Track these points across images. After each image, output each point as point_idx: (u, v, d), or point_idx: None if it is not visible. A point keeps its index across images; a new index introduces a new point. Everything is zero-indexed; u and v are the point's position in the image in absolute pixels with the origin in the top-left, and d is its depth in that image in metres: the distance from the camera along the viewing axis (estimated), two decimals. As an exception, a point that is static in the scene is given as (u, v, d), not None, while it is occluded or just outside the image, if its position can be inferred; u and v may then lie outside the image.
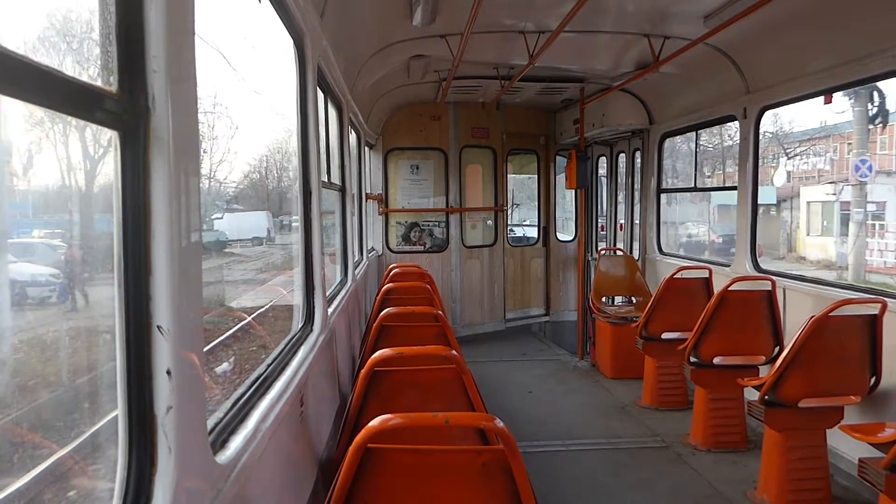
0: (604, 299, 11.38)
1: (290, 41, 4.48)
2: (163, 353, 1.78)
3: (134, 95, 1.72)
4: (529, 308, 14.28)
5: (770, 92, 7.80)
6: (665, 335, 8.41)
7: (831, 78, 6.75)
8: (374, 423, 2.69)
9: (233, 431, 2.49)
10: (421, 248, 13.16)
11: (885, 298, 5.80)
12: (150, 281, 1.77)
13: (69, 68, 1.48)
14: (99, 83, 1.67)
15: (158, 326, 1.77)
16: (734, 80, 8.26)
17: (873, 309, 5.76)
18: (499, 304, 13.73)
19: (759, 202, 8.41)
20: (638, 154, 11.71)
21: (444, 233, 13.20)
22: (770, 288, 7.09)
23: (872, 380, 5.87)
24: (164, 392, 1.78)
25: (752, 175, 8.27)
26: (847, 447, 6.07)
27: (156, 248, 1.78)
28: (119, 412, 1.76)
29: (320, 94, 5.89)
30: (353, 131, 8.93)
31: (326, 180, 6.66)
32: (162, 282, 1.79)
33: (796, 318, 6.66)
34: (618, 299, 11.90)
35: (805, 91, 7.28)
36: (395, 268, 8.94)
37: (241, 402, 2.75)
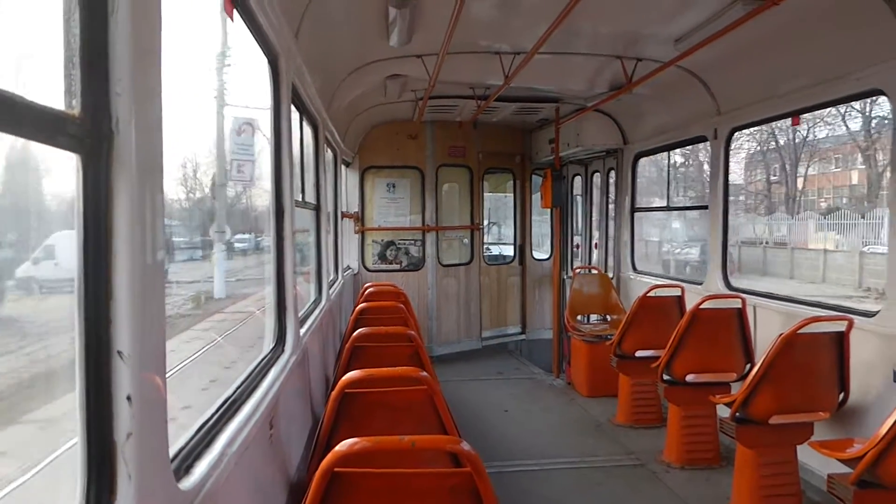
0: (579, 317, 11.42)
1: (264, 60, 4.50)
2: (123, 379, 1.76)
3: (97, 118, 1.71)
4: (506, 326, 14.29)
5: (740, 113, 7.93)
6: (639, 353, 8.45)
7: (799, 100, 6.88)
8: (341, 447, 2.68)
9: (198, 457, 2.46)
10: (397, 266, 13.14)
11: (852, 316, 5.89)
12: (110, 305, 1.76)
13: (30, 92, 1.46)
14: (61, 106, 1.66)
15: (119, 351, 1.76)
16: (705, 101, 8.39)
17: (840, 326, 5.84)
18: (475, 322, 13.73)
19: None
20: (612, 173, 11.82)
21: (421, 251, 13.20)
22: (740, 305, 7.17)
23: (841, 396, 5.94)
24: (124, 418, 1.76)
25: (723, 194, 8.38)
26: (817, 463, 6.13)
27: (117, 271, 1.76)
28: (78, 439, 1.73)
29: (295, 113, 5.90)
30: (328, 149, 8.94)
31: (301, 199, 6.65)
32: (123, 306, 1.77)
33: (766, 335, 6.73)
34: (593, 317, 11.95)
35: (774, 113, 7.42)
36: (370, 287, 8.92)
37: (207, 426, 2.72)
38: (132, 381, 1.78)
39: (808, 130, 42.61)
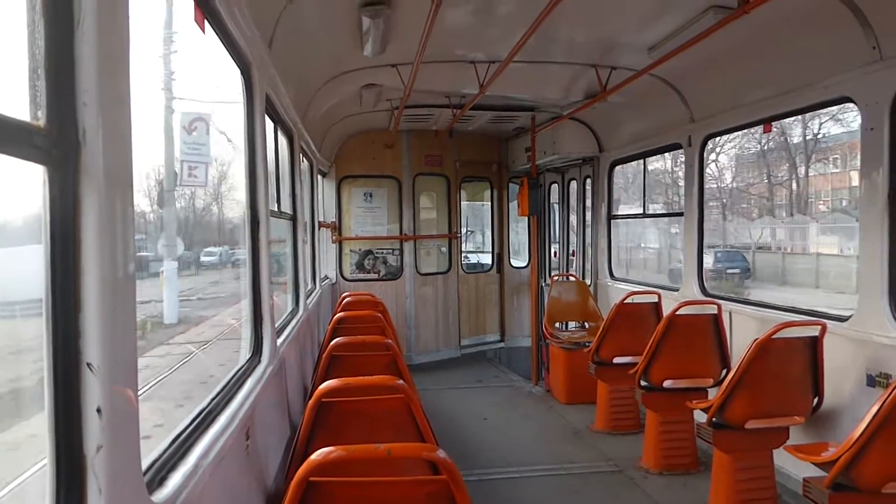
0: (557, 325, 11.45)
1: (237, 70, 4.48)
2: (93, 391, 1.74)
3: (63, 129, 1.69)
4: (484, 334, 14.31)
5: (713, 121, 8.03)
6: (617, 360, 8.49)
7: (770, 107, 6.99)
8: (316, 455, 2.66)
9: (172, 468, 2.43)
10: (375, 275, 13.11)
11: (825, 321, 5.96)
12: (79, 318, 1.74)
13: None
14: (26, 117, 1.65)
15: (88, 364, 1.74)
16: (679, 109, 8.49)
17: (814, 331, 5.92)
18: (454, 330, 13.72)
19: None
20: (589, 181, 11.90)
21: (399, 260, 13.19)
22: (716, 311, 7.23)
23: (815, 400, 6.01)
24: (94, 431, 1.74)
25: (698, 201, 8.47)
26: (793, 467, 6.18)
27: (86, 283, 1.74)
28: (47, 453, 1.71)
29: (270, 123, 5.87)
30: (304, 159, 8.91)
31: (276, 209, 6.62)
32: (93, 318, 1.75)
33: (742, 340, 6.79)
34: (571, 324, 12.00)
35: (746, 120, 7.53)
36: (347, 296, 8.89)
37: (181, 438, 2.70)
38: (102, 393, 1.76)
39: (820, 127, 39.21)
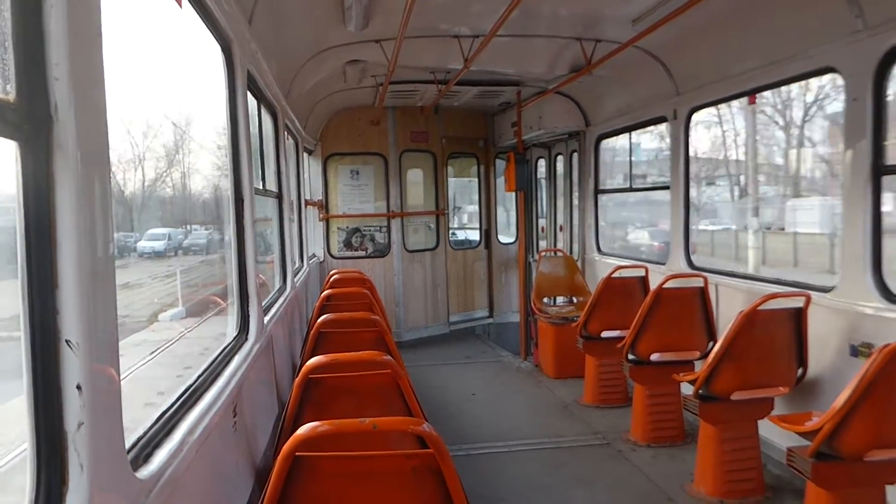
0: (545, 300, 11.49)
1: (217, 47, 4.43)
2: (72, 368, 1.73)
3: (34, 103, 1.67)
4: (473, 311, 14.35)
5: (698, 93, 8.01)
6: (604, 334, 8.54)
7: (754, 79, 6.97)
8: (302, 430, 2.67)
9: (157, 445, 2.44)
10: (363, 253, 13.10)
11: (810, 291, 6.01)
12: (56, 294, 1.72)
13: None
14: None
15: (67, 340, 1.73)
16: (664, 82, 8.46)
17: (799, 302, 5.96)
18: (442, 307, 13.76)
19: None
20: (575, 155, 11.89)
21: (386, 237, 13.17)
22: (703, 284, 7.27)
23: (800, 371, 6.07)
24: (74, 407, 1.73)
25: (684, 175, 8.48)
26: (778, 437, 6.26)
27: (63, 260, 1.73)
28: (26, 429, 1.70)
29: (252, 101, 5.82)
30: (290, 137, 8.84)
31: (261, 187, 6.58)
32: (70, 295, 1.74)
33: (729, 312, 6.84)
34: (559, 299, 12.04)
35: (731, 92, 7.51)
36: (335, 274, 8.88)
37: (167, 415, 2.70)
38: (82, 370, 1.75)
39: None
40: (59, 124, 1.71)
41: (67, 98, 1.72)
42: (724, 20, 6.72)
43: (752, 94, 7.38)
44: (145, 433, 2.45)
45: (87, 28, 1.87)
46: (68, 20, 1.73)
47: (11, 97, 1.62)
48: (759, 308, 5.73)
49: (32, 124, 1.66)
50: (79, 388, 1.73)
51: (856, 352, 5.63)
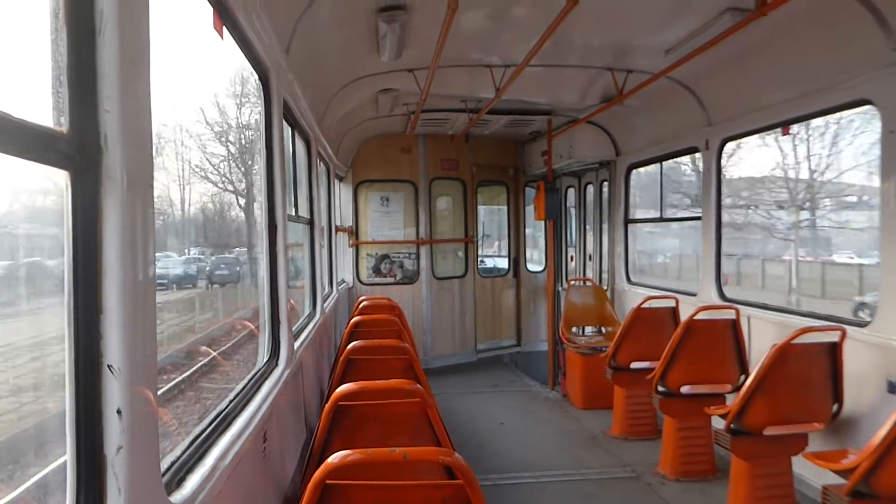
0: (574, 329, 11.41)
1: (255, 76, 4.52)
2: (113, 392, 1.77)
3: (86, 135, 1.72)
4: (501, 339, 14.29)
5: (730, 124, 7.98)
6: (634, 365, 8.45)
7: (789, 110, 6.93)
8: (333, 459, 2.67)
9: (189, 470, 2.46)
10: (392, 279, 13.14)
11: (845, 326, 5.90)
12: (101, 320, 1.76)
13: (17, 109, 1.47)
14: (49, 124, 1.67)
15: (109, 365, 1.76)
16: (696, 112, 8.44)
17: (834, 336, 5.86)
18: (470, 335, 13.72)
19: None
20: (605, 185, 11.87)
21: (415, 264, 13.21)
22: (735, 316, 7.18)
23: (835, 407, 5.94)
24: (114, 432, 1.76)
25: (716, 205, 8.42)
26: (812, 474, 6.12)
27: (107, 286, 1.77)
28: (67, 453, 1.73)
29: (287, 128, 5.91)
30: (322, 164, 8.95)
31: (294, 213, 6.66)
32: (114, 321, 1.77)
33: (761, 345, 6.74)
34: (588, 329, 11.95)
35: (764, 123, 7.47)
36: (364, 300, 8.92)
37: (199, 440, 2.72)
38: (122, 394, 1.78)
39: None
40: (108, 154, 1.76)
41: (117, 129, 1.77)
42: (758, 51, 6.71)
43: (785, 125, 7.33)
44: (179, 457, 2.47)
45: (136, 60, 1.93)
46: (119, 54, 1.79)
47: (65, 129, 1.67)
48: (793, 342, 5.64)
49: (83, 155, 1.71)
50: (119, 412, 1.76)
51: (894, 388, 5.51)
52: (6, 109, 1.43)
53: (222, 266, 23.69)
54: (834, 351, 5.86)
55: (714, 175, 8.40)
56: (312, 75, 6.53)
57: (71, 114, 1.69)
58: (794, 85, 6.70)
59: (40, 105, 1.68)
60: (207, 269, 23.33)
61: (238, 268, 24.10)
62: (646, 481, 7.31)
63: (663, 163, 10.58)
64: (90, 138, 1.73)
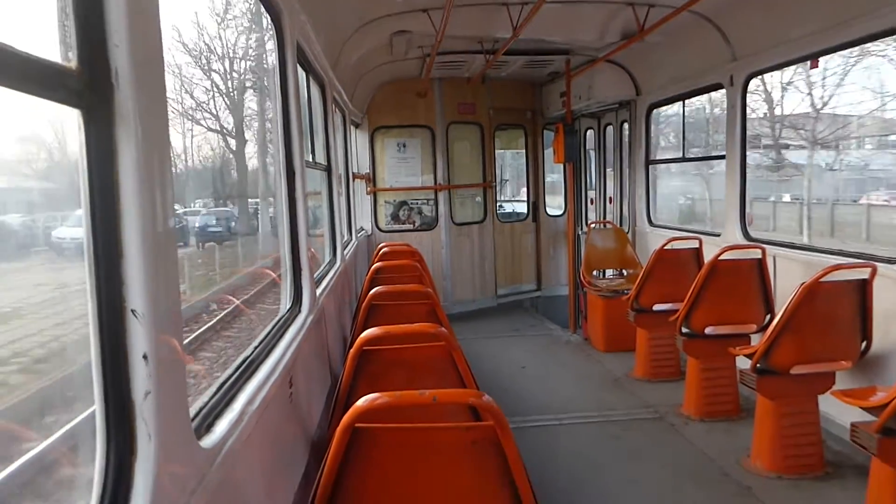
0: (595, 273, 11.36)
1: (267, 18, 4.41)
2: (138, 338, 1.73)
3: (95, 71, 1.64)
4: (521, 284, 14.28)
5: (756, 58, 7.74)
6: (656, 307, 8.40)
7: (816, 42, 6.70)
8: (361, 402, 2.66)
9: (218, 415, 2.45)
10: (410, 226, 13.10)
11: (875, 263, 5.79)
12: (122, 264, 1.71)
13: (24, 44, 1.40)
14: (57, 59, 1.60)
15: (133, 310, 1.72)
16: (720, 47, 8.20)
17: (863, 274, 5.75)
18: (490, 280, 13.71)
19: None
20: (626, 126, 11.65)
21: (434, 211, 13.14)
22: (760, 256, 7.08)
23: (863, 344, 5.88)
24: (140, 377, 1.73)
25: (741, 143, 8.23)
26: (839, 412, 6.09)
27: (127, 230, 1.71)
28: (95, 399, 1.71)
29: (301, 73, 5.80)
30: (337, 110, 8.83)
31: (311, 160, 6.58)
32: (135, 265, 1.73)
33: (787, 285, 6.65)
34: (609, 272, 11.90)
35: (791, 56, 7.24)
36: (384, 247, 8.89)
37: (226, 385, 2.71)
38: (148, 340, 1.74)
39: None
40: (119, 92, 1.69)
41: (128, 65, 1.69)
42: None
43: (814, 58, 7.09)
44: (206, 403, 2.46)
45: None
46: None
47: (73, 64, 1.59)
48: (822, 280, 5.55)
49: (94, 92, 1.64)
50: (145, 357, 1.73)
51: None
52: (13, 44, 1.36)
53: (213, 223, 21.18)
54: (863, 288, 5.76)
55: (739, 113, 8.19)
56: (325, 17, 6.37)
57: (79, 48, 1.61)
58: (823, 15, 6.45)
59: (46, 39, 1.60)
60: (197, 224, 20.50)
61: (233, 223, 22.13)
62: (669, 422, 7.33)
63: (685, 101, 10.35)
64: (100, 74, 1.66)
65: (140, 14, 1.79)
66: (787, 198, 34.12)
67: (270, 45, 4.63)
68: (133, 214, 1.72)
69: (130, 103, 1.70)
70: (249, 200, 24.69)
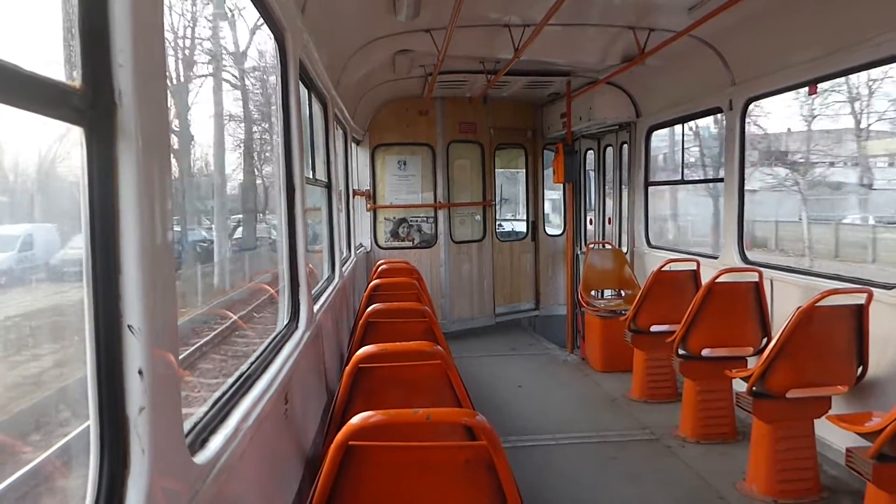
0: (593, 293, 11.37)
1: (271, 37, 4.45)
2: (134, 353, 1.75)
3: (99, 90, 1.67)
4: (519, 302, 14.28)
5: (755, 83, 7.80)
6: (654, 328, 8.41)
7: (816, 69, 6.75)
8: (355, 420, 2.66)
9: (213, 431, 2.45)
10: (409, 243, 13.12)
11: (871, 288, 5.81)
12: (119, 279, 1.73)
13: (29, 63, 1.43)
14: (62, 78, 1.63)
15: (129, 326, 1.74)
16: (719, 71, 8.26)
17: (859, 299, 5.77)
18: (488, 298, 13.72)
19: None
20: (625, 147, 11.71)
21: (433, 228, 13.17)
22: (757, 279, 7.10)
23: (859, 369, 5.88)
24: (136, 392, 1.75)
25: (739, 167, 8.28)
26: (835, 437, 6.08)
27: (125, 245, 1.74)
28: (90, 413, 1.72)
29: (304, 90, 5.85)
30: (338, 127, 8.88)
31: (311, 176, 6.62)
32: (132, 280, 1.75)
33: (784, 308, 6.66)
34: (607, 292, 11.91)
35: (790, 82, 7.29)
36: (382, 264, 8.91)
37: (221, 401, 2.72)
38: (144, 355, 1.76)
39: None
40: (122, 110, 1.72)
41: (131, 85, 1.72)
42: (784, 7, 6.52)
43: (812, 84, 7.14)
44: (201, 419, 2.47)
45: (149, 16, 1.88)
46: (133, 7, 1.73)
47: (77, 84, 1.62)
48: (818, 304, 5.56)
49: (97, 110, 1.67)
50: (140, 373, 1.75)
51: None
52: (19, 63, 1.39)
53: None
54: (860, 313, 5.78)
55: (738, 137, 8.24)
56: (329, 36, 6.43)
57: (83, 68, 1.64)
58: (823, 42, 6.51)
59: (51, 59, 1.63)
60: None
61: (209, 247, 20.31)
62: (665, 443, 7.31)
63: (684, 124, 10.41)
64: (104, 93, 1.69)
65: (145, 34, 1.82)
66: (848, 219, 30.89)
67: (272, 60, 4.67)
68: (132, 230, 1.74)
69: (133, 122, 1.73)
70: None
